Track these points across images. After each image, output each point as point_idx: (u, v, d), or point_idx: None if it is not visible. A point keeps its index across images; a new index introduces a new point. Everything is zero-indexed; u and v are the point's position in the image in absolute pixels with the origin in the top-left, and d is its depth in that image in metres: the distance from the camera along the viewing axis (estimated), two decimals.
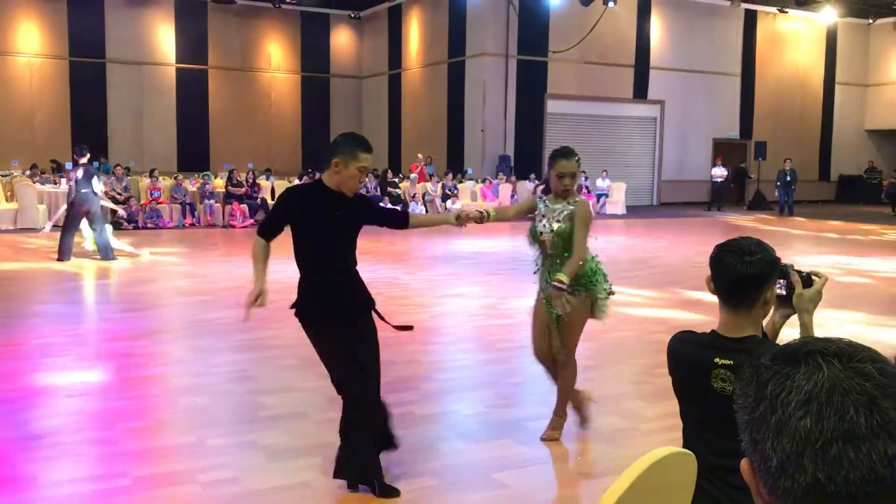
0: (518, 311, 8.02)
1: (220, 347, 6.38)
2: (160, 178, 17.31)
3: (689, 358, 2.16)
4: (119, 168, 17.31)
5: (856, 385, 0.75)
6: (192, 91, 24.65)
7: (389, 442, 3.76)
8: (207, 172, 19.52)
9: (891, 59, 27.27)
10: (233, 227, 16.53)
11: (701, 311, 7.74)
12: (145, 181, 17.25)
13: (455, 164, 21.82)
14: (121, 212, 14.97)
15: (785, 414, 0.75)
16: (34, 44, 22.99)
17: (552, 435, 4.36)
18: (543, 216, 4.19)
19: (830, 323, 7.29)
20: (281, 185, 17.58)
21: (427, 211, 18.55)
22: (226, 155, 23.68)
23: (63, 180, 16.44)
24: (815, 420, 0.74)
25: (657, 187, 24.65)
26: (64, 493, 3.65)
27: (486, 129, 21.93)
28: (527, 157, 21.89)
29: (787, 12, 25.60)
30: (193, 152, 24.29)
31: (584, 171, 19.61)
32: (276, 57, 26.20)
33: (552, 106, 22.63)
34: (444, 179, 19.42)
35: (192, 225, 16.70)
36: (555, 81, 22.55)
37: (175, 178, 17.72)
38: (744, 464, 0.81)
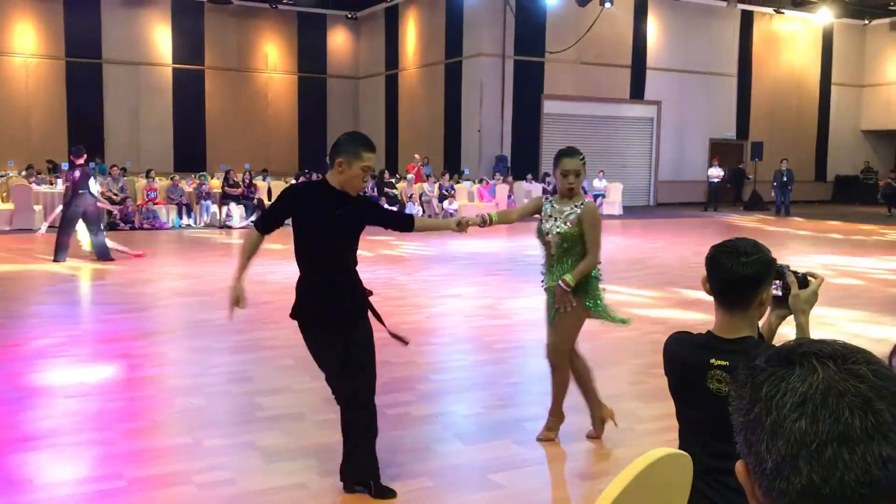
0: (515, 311, 8.02)
1: (217, 348, 6.37)
2: (156, 179, 17.30)
3: (684, 359, 2.16)
4: (115, 169, 17.28)
5: (850, 387, 0.75)
6: (188, 91, 24.63)
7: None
8: (204, 173, 19.50)
9: (886, 60, 27.33)
10: (230, 227, 16.52)
11: (698, 311, 7.76)
12: (142, 182, 17.23)
13: (452, 165, 21.82)
14: (115, 213, 14.96)
15: (780, 416, 0.76)
16: (30, 44, 22.95)
17: (548, 435, 4.36)
18: (550, 216, 4.20)
19: (826, 324, 7.31)
20: (277, 186, 17.58)
21: (424, 211, 18.55)
22: (222, 155, 23.67)
23: (59, 181, 16.42)
24: (809, 422, 0.74)
25: (654, 188, 24.68)
26: (60, 494, 3.64)
27: (483, 130, 21.94)
28: (524, 158, 21.91)
29: (783, 13, 25.65)
30: (190, 153, 24.27)
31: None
32: (273, 57, 26.19)
33: (549, 106, 22.64)
34: (440, 180, 19.42)
35: (188, 226, 16.69)
36: (551, 82, 22.57)
37: (171, 178, 17.70)
38: (739, 466, 0.81)
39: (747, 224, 18.97)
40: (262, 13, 25.44)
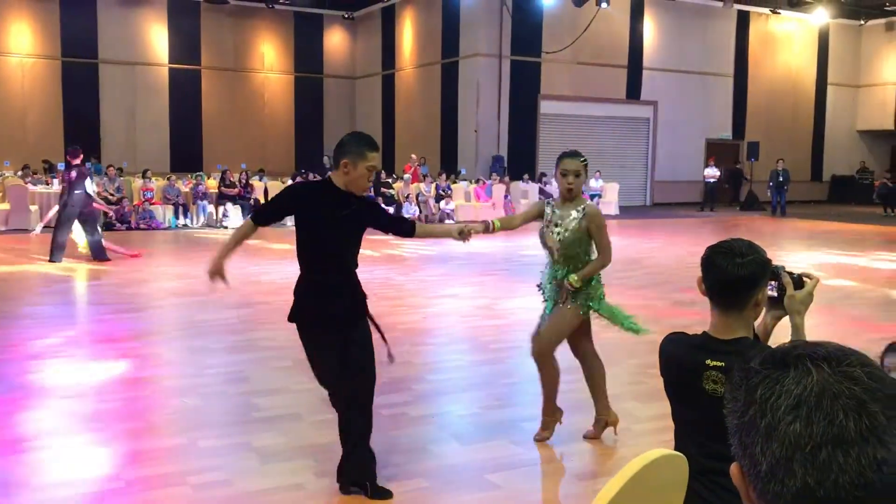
0: (512, 311, 8.02)
1: (214, 349, 6.36)
2: (153, 179, 17.28)
3: (680, 359, 2.16)
4: (112, 169, 17.26)
5: (845, 389, 0.75)
6: (185, 91, 24.60)
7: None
8: (200, 173, 19.48)
9: (882, 61, 27.40)
10: (225, 227, 16.50)
11: (694, 311, 7.76)
12: (138, 182, 17.21)
13: (449, 165, 21.83)
14: (111, 214, 14.93)
15: (774, 418, 0.76)
16: (26, 44, 22.91)
17: (543, 435, 4.37)
18: (552, 221, 4.20)
19: (821, 324, 7.32)
20: (274, 186, 17.57)
21: (420, 211, 18.55)
22: (219, 155, 23.65)
23: (55, 181, 16.39)
24: (804, 424, 0.74)
25: (650, 188, 24.70)
26: (55, 495, 3.63)
27: (480, 130, 21.94)
28: (520, 158, 21.92)
29: (779, 13, 25.70)
30: (186, 153, 24.25)
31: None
32: (270, 57, 26.17)
33: (545, 106, 22.66)
34: (437, 180, 19.42)
35: (184, 226, 16.67)
36: (548, 82, 22.59)
37: (168, 178, 17.68)
38: (733, 468, 0.81)
39: (743, 224, 18.99)
40: (259, 13, 25.42)
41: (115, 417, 4.70)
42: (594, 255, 4.21)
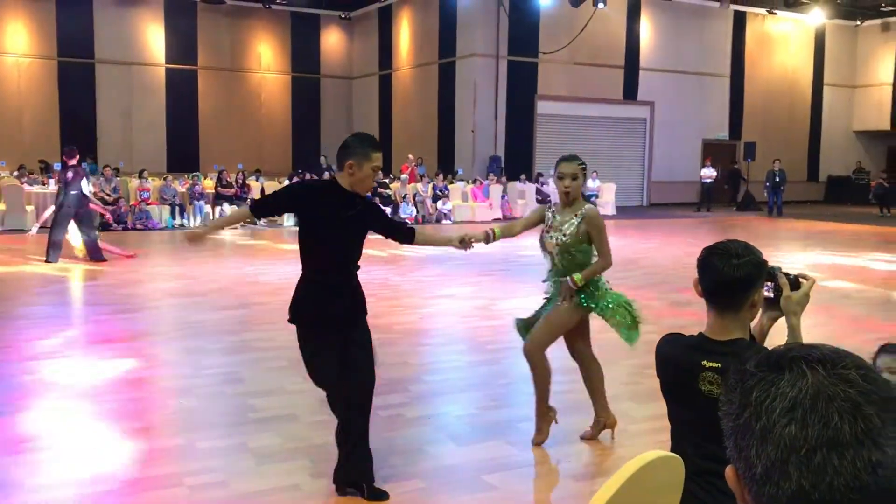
0: (509, 312, 8.01)
1: (210, 349, 6.35)
2: (149, 179, 17.26)
3: (677, 360, 2.16)
4: (108, 169, 17.23)
5: (840, 391, 0.75)
6: (181, 91, 24.57)
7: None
8: (197, 173, 19.47)
9: (878, 61, 27.45)
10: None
11: (691, 312, 7.77)
12: (134, 182, 17.19)
13: (445, 165, 21.83)
14: (108, 216, 14.91)
15: (769, 421, 0.75)
16: (22, 43, 22.87)
17: (539, 439, 4.37)
18: (552, 227, 4.20)
19: (818, 325, 7.33)
20: (271, 186, 17.53)
21: (417, 211, 18.55)
22: (215, 156, 23.61)
23: (51, 181, 16.36)
24: (799, 427, 0.74)
25: (647, 188, 24.73)
26: (50, 497, 3.62)
27: (477, 130, 21.95)
28: (517, 158, 21.92)
29: (775, 14, 25.74)
30: (183, 153, 24.22)
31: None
32: (266, 57, 26.15)
33: (542, 107, 22.67)
34: (434, 180, 19.42)
35: (181, 226, 16.65)
36: (545, 82, 22.59)
37: (164, 178, 17.66)
38: (728, 471, 0.81)
39: (740, 224, 19.01)
40: (256, 13, 25.40)
41: (111, 418, 4.69)
42: (595, 260, 4.22)
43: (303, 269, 3.59)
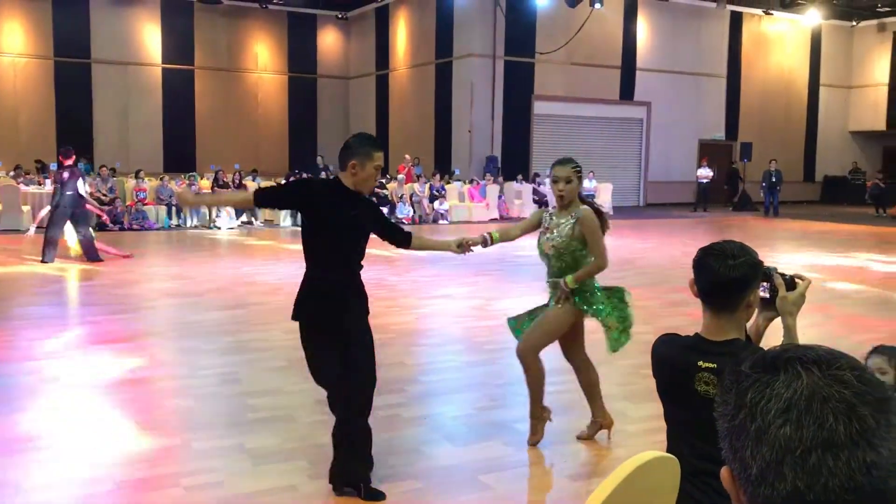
0: (505, 312, 8.00)
1: (207, 349, 6.35)
2: (146, 179, 17.23)
3: (672, 360, 2.17)
4: (104, 169, 17.21)
5: (835, 393, 0.75)
6: (178, 91, 24.54)
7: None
8: (194, 173, 19.43)
9: (874, 62, 27.51)
10: (218, 228, 16.46)
11: (687, 312, 7.78)
12: (131, 182, 17.16)
13: (442, 165, 21.83)
14: (105, 217, 14.88)
15: (764, 422, 0.76)
16: (18, 43, 22.82)
17: (534, 440, 4.37)
18: (548, 229, 4.21)
19: (813, 325, 7.34)
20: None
21: (414, 211, 18.55)
22: (212, 156, 23.58)
23: (48, 181, 16.34)
24: (794, 428, 0.74)
25: (643, 188, 24.75)
26: (47, 497, 3.62)
27: (474, 130, 21.95)
28: (514, 158, 21.93)
29: (772, 14, 25.78)
30: (180, 153, 24.19)
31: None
32: (263, 57, 26.13)
33: (539, 107, 22.68)
34: (431, 180, 19.42)
35: (177, 226, 16.62)
36: (542, 82, 22.61)
37: (161, 178, 17.63)
38: (724, 472, 0.82)
39: (736, 224, 19.04)
40: (252, 13, 25.37)
41: (108, 418, 4.69)
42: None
43: (307, 268, 3.61)
